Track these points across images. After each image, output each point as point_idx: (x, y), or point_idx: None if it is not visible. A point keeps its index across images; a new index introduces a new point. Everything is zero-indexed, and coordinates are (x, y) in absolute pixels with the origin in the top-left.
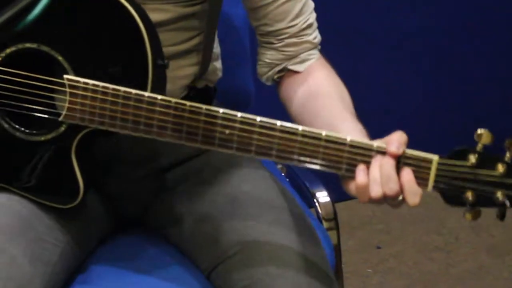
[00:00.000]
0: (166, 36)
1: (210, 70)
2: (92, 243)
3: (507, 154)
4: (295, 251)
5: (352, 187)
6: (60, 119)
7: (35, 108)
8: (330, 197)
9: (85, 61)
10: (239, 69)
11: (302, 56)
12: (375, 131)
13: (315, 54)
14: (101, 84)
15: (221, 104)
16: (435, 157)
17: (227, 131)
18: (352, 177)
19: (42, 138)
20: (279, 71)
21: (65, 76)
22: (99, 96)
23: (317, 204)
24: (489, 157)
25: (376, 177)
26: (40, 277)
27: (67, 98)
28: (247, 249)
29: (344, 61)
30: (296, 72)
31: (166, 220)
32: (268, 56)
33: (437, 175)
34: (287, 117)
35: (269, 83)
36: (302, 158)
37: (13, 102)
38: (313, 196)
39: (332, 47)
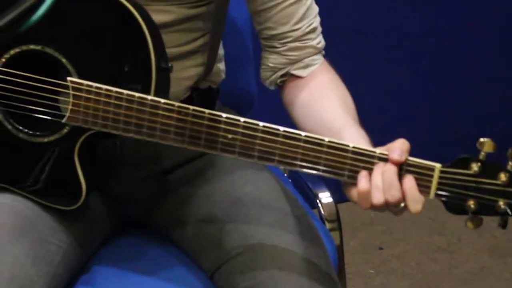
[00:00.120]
0: (170, 38)
1: (213, 71)
2: (95, 244)
3: (510, 163)
4: (298, 252)
5: (354, 193)
6: (63, 121)
7: (38, 110)
8: (333, 198)
9: (88, 63)
10: (242, 71)
11: (306, 61)
12: (375, 131)
13: (319, 59)
14: (104, 86)
15: (223, 106)
16: (437, 165)
17: (230, 136)
18: (354, 184)
19: (45, 140)
20: (282, 76)
21: (69, 78)
22: (102, 98)
23: (319, 204)
24: (491, 165)
25: (378, 184)
26: (43, 278)
27: (71, 100)
28: (250, 250)
29: (343, 61)
30: (299, 77)
31: (168, 222)
32: (271, 60)
33: (439, 183)
34: (289, 119)
35: (272, 87)
36: (304, 164)
37: (16, 103)
38: (316, 196)
39: (332, 47)
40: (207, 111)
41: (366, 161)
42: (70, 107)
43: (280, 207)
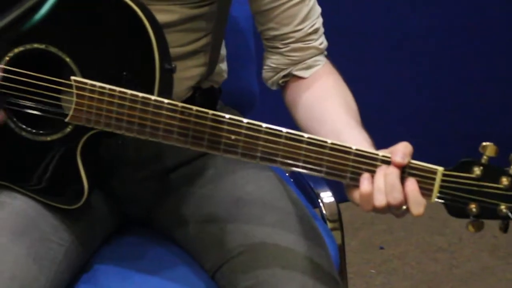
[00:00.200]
0: (173, 37)
1: (216, 71)
2: (97, 242)
3: None
4: (300, 252)
5: (356, 195)
6: (67, 120)
7: (42, 109)
8: (335, 198)
9: (92, 63)
10: (244, 70)
11: (308, 62)
12: (375, 131)
13: (321, 60)
14: (108, 86)
15: (225, 106)
16: (440, 169)
17: (233, 137)
18: (356, 186)
19: (48, 139)
20: (284, 76)
21: (72, 77)
22: (105, 98)
23: (321, 204)
24: (493, 169)
25: (381, 186)
26: (45, 276)
27: (74, 99)
28: (252, 250)
29: (344, 62)
30: (301, 78)
31: (170, 221)
32: (274, 60)
33: (441, 186)
34: (291, 119)
35: (274, 88)
36: (307, 166)
37: (19, 102)
38: (318, 196)
39: (332, 48)
40: (210, 111)
41: (369, 164)
42: (73, 106)
43: (282, 207)
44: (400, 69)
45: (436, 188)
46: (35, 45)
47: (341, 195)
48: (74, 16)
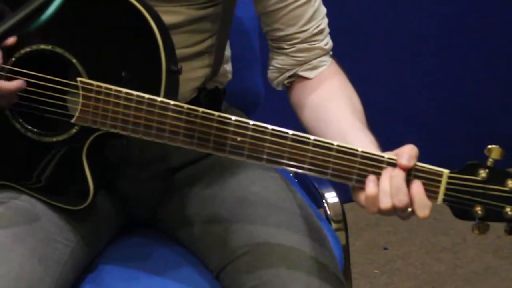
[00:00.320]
0: (179, 39)
1: (220, 72)
2: (102, 243)
3: None
4: (304, 252)
5: (361, 197)
6: (73, 121)
7: (48, 109)
8: (339, 198)
9: (98, 64)
10: (248, 71)
11: (314, 62)
12: (379, 132)
13: (327, 60)
14: (114, 87)
15: (230, 107)
16: (445, 171)
17: (238, 138)
18: (362, 188)
19: (54, 139)
20: (290, 77)
21: (79, 78)
22: (112, 99)
23: (325, 204)
24: (499, 172)
25: (386, 188)
26: (50, 277)
27: (80, 100)
28: (256, 250)
29: (347, 62)
30: (306, 78)
31: (175, 221)
32: (279, 61)
33: (447, 189)
34: (296, 120)
35: (279, 88)
36: (313, 168)
37: (25, 103)
38: (322, 196)
39: (336, 48)
40: (216, 113)
41: (375, 166)
42: (79, 107)
43: (286, 207)
44: (404, 70)
45: (441, 190)
46: (42, 46)
47: (345, 196)
48: (80, 17)
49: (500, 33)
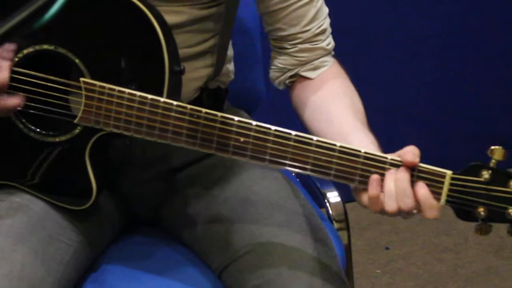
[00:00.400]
0: (181, 38)
1: (223, 72)
2: (104, 242)
3: None
4: (307, 252)
5: (363, 197)
6: (75, 121)
7: (51, 110)
8: (341, 198)
9: (101, 64)
10: (250, 70)
11: (315, 63)
12: (380, 132)
13: (329, 61)
14: (117, 88)
15: (232, 106)
16: (448, 172)
17: (242, 139)
18: (365, 189)
19: (57, 139)
20: (291, 76)
21: (82, 79)
22: (115, 100)
23: (327, 204)
24: (502, 173)
25: (391, 191)
26: (53, 277)
27: (83, 100)
28: (259, 249)
29: (348, 61)
30: (308, 78)
31: (177, 221)
32: (281, 61)
33: (450, 190)
34: (297, 119)
35: (281, 88)
36: (315, 169)
37: (28, 103)
38: (324, 196)
39: (337, 47)
40: (219, 114)
41: (378, 167)
42: (82, 107)
43: (289, 207)
44: (404, 70)
45: (444, 191)
46: (45, 46)
47: (347, 195)
48: (83, 17)
49: (500, 33)
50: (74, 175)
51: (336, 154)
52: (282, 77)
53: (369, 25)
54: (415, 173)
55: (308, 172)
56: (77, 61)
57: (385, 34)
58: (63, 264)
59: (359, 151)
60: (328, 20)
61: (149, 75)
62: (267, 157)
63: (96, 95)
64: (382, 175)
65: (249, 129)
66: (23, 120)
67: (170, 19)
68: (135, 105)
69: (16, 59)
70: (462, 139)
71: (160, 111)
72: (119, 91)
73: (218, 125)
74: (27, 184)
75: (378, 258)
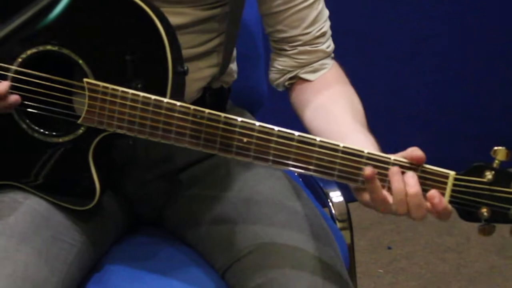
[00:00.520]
0: (185, 39)
1: (226, 72)
2: (108, 243)
3: None
4: (310, 251)
5: (366, 197)
6: (79, 122)
7: (54, 110)
8: (344, 197)
9: (105, 65)
10: (252, 70)
11: (315, 65)
12: (380, 133)
13: (328, 63)
14: (120, 88)
15: (235, 106)
16: (451, 173)
17: (245, 139)
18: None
19: (60, 140)
20: (291, 78)
21: (85, 79)
22: (118, 100)
23: (330, 204)
24: (505, 174)
25: (402, 193)
26: (56, 277)
27: (86, 101)
28: (262, 249)
29: (349, 63)
30: (307, 81)
31: (181, 221)
32: (281, 62)
33: (453, 191)
34: (298, 119)
35: (280, 89)
36: (319, 169)
37: (31, 103)
38: (327, 196)
39: (337, 49)
40: (222, 114)
41: (381, 167)
42: (85, 108)
43: (292, 207)
44: (404, 70)
45: (448, 192)
46: (48, 47)
47: (350, 195)
48: (87, 18)
49: (500, 33)
50: (77, 175)
51: (339, 154)
52: (282, 79)
53: (369, 25)
54: (418, 173)
55: (311, 173)
56: (80, 61)
57: (385, 34)
58: (67, 264)
59: (362, 152)
60: (328, 23)
61: (152, 76)
62: (270, 158)
63: (99, 96)
64: (385, 175)
65: (252, 130)
66: (27, 121)
67: (174, 20)
68: (139, 105)
69: (20, 60)
70: (462, 139)
71: (163, 111)
72: (123, 91)
73: (221, 125)
74: (31, 185)
75: (380, 258)
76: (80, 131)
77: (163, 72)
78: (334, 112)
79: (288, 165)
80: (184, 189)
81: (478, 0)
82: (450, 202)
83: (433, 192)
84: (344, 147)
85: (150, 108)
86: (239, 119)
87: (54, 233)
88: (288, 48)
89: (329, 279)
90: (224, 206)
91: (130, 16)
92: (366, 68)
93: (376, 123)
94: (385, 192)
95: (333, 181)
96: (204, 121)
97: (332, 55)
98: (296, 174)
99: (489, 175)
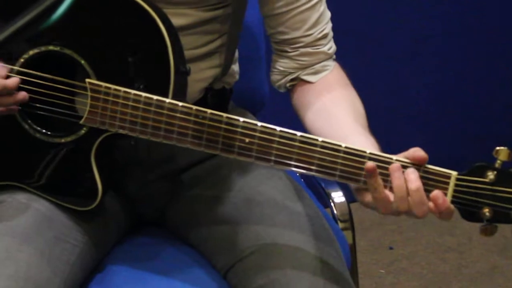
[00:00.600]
0: (187, 40)
1: (228, 73)
2: (110, 243)
3: None
4: (312, 252)
5: (367, 197)
6: (81, 122)
7: (56, 111)
8: (346, 197)
9: (107, 65)
10: (255, 72)
11: (316, 67)
12: (381, 133)
13: (330, 65)
14: (122, 89)
15: (237, 107)
16: (453, 173)
17: (247, 140)
18: (367, 189)
19: (62, 140)
20: (292, 80)
21: (87, 80)
22: (120, 101)
23: (332, 204)
24: (507, 174)
25: (403, 192)
26: (59, 277)
27: (88, 101)
28: (264, 249)
29: (350, 63)
30: (309, 82)
31: (183, 221)
32: (282, 64)
33: (455, 191)
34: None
35: (281, 90)
36: (320, 169)
37: (34, 104)
38: (329, 196)
39: (338, 49)
40: (224, 115)
41: (383, 167)
42: (88, 108)
43: (294, 207)
44: (404, 70)
45: (450, 192)
46: (50, 47)
47: (352, 195)
48: (89, 18)
49: (500, 33)
50: (79, 175)
51: (341, 155)
52: (283, 80)
53: (369, 25)
54: (420, 174)
55: (313, 173)
56: (82, 62)
57: (385, 34)
58: (69, 265)
59: (364, 152)
60: (330, 25)
61: (154, 76)
62: (272, 158)
63: (101, 96)
64: (387, 175)
65: (254, 130)
66: (29, 121)
67: (176, 21)
68: (141, 106)
69: (22, 60)
70: (462, 139)
71: (165, 112)
72: (125, 92)
73: (223, 126)
74: (33, 185)
75: (381, 258)
76: (82, 131)
77: (165, 73)
78: (336, 115)
79: (290, 165)
80: (186, 189)
81: (478, 0)
82: (452, 202)
83: (436, 193)
84: (346, 147)
85: (152, 109)
86: (241, 119)
87: (56, 233)
88: (289, 50)
89: (330, 280)
90: (226, 207)
91: (132, 17)
92: (366, 68)
93: (376, 124)
94: (386, 191)
95: (335, 181)
96: (206, 122)
97: (334, 56)
98: (298, 174)
99: (491, 175)
